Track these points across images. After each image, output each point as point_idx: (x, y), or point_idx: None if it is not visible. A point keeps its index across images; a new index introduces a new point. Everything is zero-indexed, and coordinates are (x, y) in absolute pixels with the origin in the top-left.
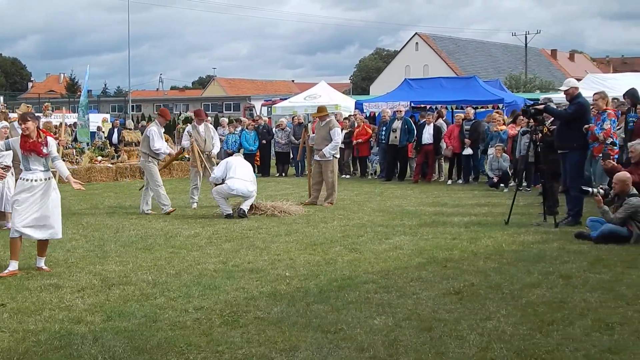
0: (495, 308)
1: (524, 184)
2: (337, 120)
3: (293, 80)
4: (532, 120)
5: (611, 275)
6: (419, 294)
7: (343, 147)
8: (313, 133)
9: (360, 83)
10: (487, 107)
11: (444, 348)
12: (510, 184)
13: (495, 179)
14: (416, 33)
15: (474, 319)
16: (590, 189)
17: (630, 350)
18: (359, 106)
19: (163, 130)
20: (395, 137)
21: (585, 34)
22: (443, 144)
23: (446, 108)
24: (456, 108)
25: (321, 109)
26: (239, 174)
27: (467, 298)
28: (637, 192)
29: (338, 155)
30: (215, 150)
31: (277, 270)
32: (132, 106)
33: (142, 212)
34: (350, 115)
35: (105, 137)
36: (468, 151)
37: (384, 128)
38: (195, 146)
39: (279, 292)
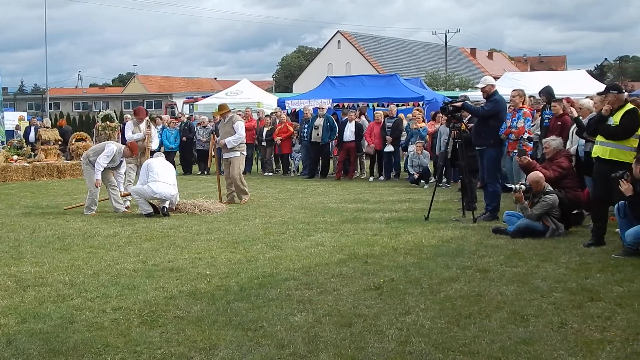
0: (415, 302)
1: (444, 180)
2: (260, 119)
3: (215, 78)
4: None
5: (527, 269)
6: (340, 290)
7: (265, 144)
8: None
9: (283, 81)
10: (408, 105)
11: (364, 343)
12: (431, 180)
13: (416, 176)
14: (338, 31)
15: (393, 314)
16: (512, 186)
17: (544, 341)
18: (281, 104)
19: (121, 159)
20: (318, 135)
21: (503, 33)
22: (365, 142)
23: (368, 105)
24: (378, 105)
25: (222, 107)
26: (162, 177)
27: (387, 293)
28: (552, 189)
29: (245, 152)
30: (153, 146)
31: (197, 268)
32: (50, 104)
33: (116, 211)
34: (272, 113)
35: (22, 136)
36: (389, 148)
37: (306, 125)
38: (149, 139)
39: (199, 291)
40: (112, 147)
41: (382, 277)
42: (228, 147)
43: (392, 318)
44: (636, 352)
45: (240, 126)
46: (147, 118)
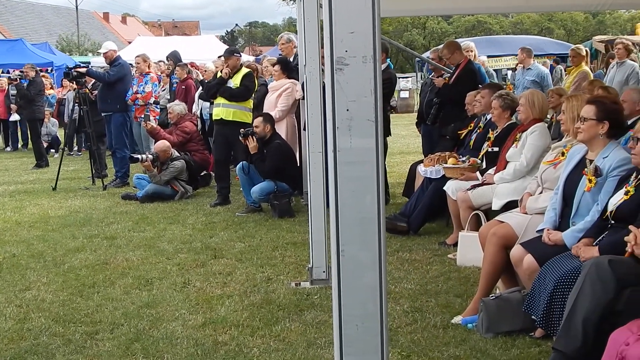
0: (36, 277)
1: (75, 148)
2: None
3: None
4: (75, 83)
5: (154, 232)
6: None
7: None
8: None
9: None
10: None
11: None
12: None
13: (45, 145)
14: None
15: (12, 291)
16: (140, 157)
17: (167, 302)
18: None
19: None
20: None
21: None
22: None
23: None
24: (2, 72)
25: None
26: None
27: (7, 270)
28: (179, 154)
29: None
30: None
31: None
32: None
33: None
34: None
35: None
36: (15, 117)
37: None
38: None
39: None
40: None
41: (3, 254)
42: None
43: (11, 296)
44: (252, 303)
45: None
46: None
